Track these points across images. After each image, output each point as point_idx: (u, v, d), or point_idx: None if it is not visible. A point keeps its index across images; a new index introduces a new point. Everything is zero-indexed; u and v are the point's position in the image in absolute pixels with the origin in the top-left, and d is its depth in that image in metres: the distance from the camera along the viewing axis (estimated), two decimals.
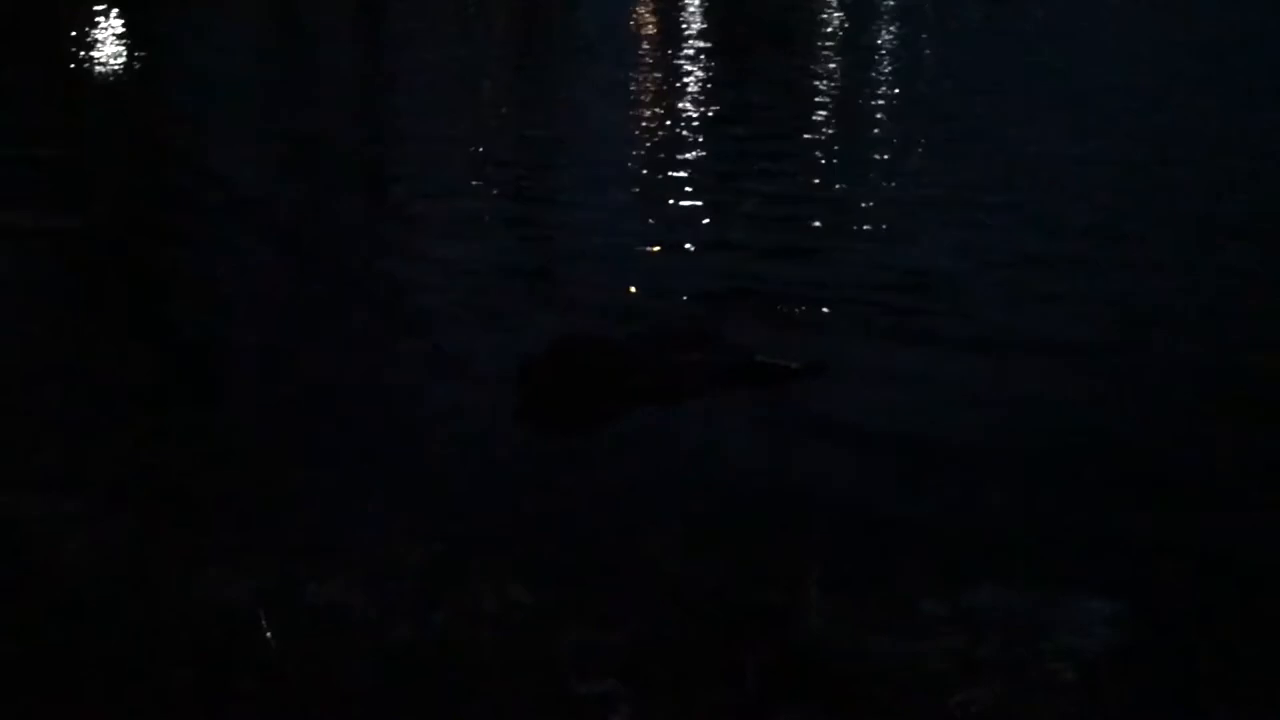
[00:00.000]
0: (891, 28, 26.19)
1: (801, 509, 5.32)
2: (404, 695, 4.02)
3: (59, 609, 4.51)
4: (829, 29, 26.19)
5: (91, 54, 19.29)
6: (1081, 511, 5.31)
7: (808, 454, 5.86)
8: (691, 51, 22.05)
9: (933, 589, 4.55)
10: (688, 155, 12.96)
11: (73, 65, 18.64)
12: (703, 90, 17.68)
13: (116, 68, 18.56)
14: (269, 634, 4.30)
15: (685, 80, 18.52)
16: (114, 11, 23.98)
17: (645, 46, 23.20)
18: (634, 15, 28.00)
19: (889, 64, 20.96)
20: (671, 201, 10.91)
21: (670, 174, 12.02)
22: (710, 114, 15.61)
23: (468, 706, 3.98)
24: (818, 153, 13.28)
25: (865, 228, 9.92)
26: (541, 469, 5.86)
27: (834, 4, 30.13)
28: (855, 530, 5.12)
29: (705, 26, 25.98)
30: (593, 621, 4.39)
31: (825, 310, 7.84)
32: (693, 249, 9.38)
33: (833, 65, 20.79)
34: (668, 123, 14.78)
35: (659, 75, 19.32)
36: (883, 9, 29.23)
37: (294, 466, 5.77)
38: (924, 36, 24.63)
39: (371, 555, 4.86)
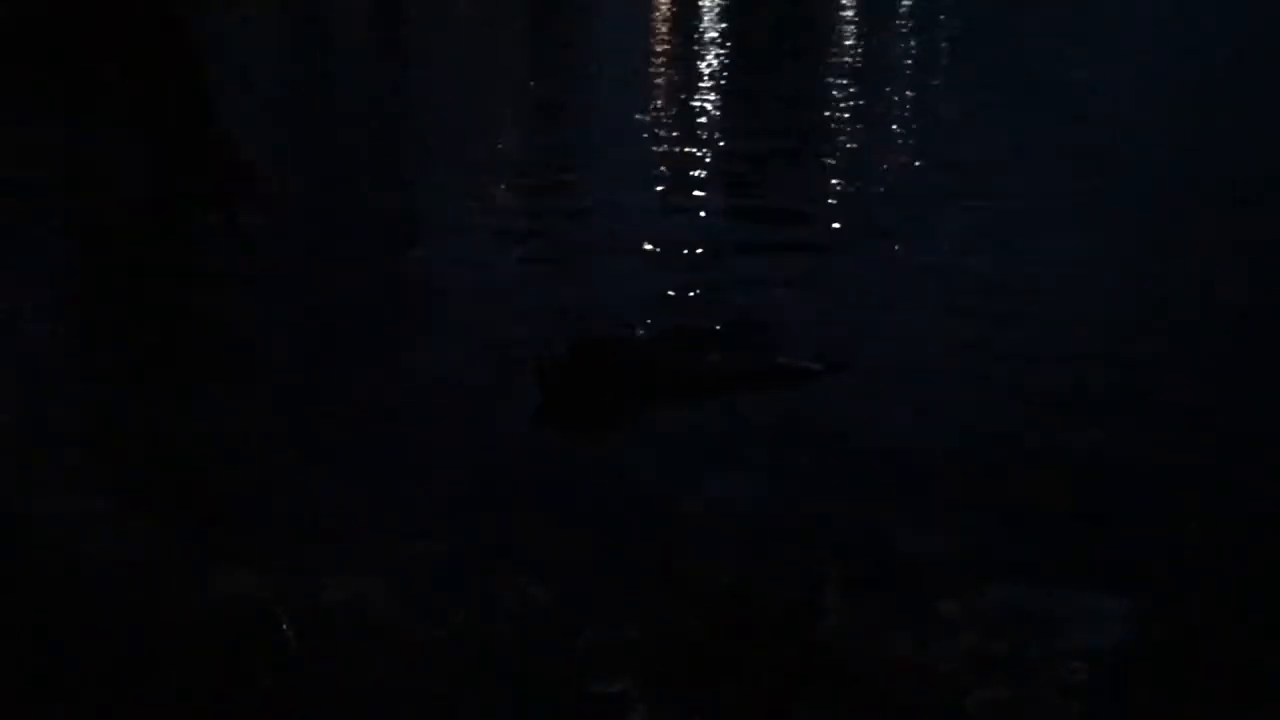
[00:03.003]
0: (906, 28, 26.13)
1: (817, 509, 5.34)
2: (421, 694, 4.05)
3: (77, 607, 4.54)
4: (846, 25, 26.15)
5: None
6: (1097, 509, 5.32)
7: (825, 455, 5.87)
8: (710, 51, 22.05)
9: (947, 588, 4.57)
10: (707, 156, 12.97)
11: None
12: (721, 90, 17.69)
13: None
14: (286, 633, 4.33)
15: (703, 80, 18.54)
16: None
17: (663, 45, 23.21)
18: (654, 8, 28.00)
19: (903, 61, 20.93)
20: (692, 202, 10.92)
21: (690, 175, 12.03)
22: (729, 116, 15.62)
23: (484, 705, 4.01)
24: (838, 152, 13.28)
25: (888, 228, 9.90)
26: (560, 468, 5.88)
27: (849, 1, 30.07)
28: (871, 529, 5.14)
29: (723, 26, 25.95)
30: (610, 620, 4.41)
31: (846, 311, 7.83)
32: (712, 249, 9.38)
33: (849, 63, 20.77)
34: (686, 124, 14.79)
35: (678, 75, 19.33)
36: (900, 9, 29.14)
37: (310, 465, 5.80)
38: (941, 39, 24.58)
39: (388, 554, 4.89)
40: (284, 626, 4.37)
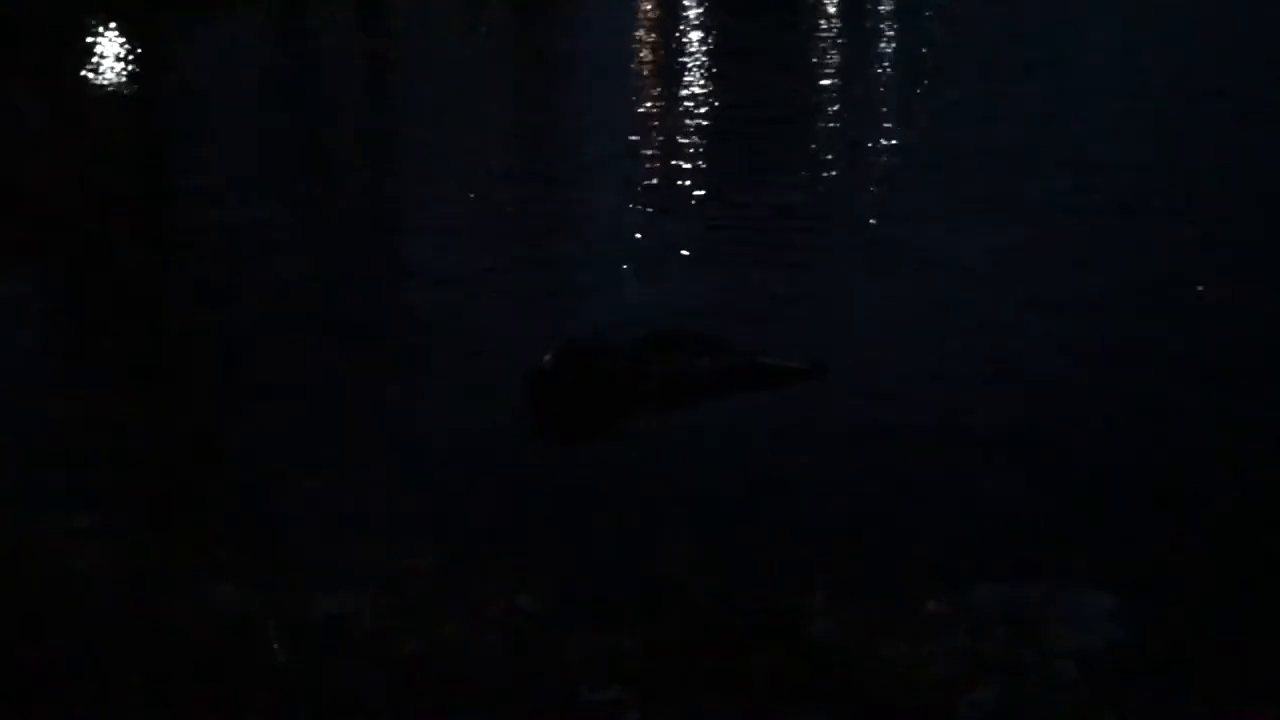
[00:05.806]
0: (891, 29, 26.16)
1: (806, 512, 5.34)
2: (413, 704, 4.04)
3: (69, 620, 4.53)
4: (829, 27, 26.17)
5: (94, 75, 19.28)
6: (1083, 508, 5.32)
7: (812, 456, 5.88)
8: (694, 54, 22.04)
9: (936, 589, 4.56)
10: (689, 162, 12.95)
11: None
12: (703, 97, 17.64)
13: (118, 89, 18.54)
14: (278, 645, 4.32)
15: (686, 86, 18.49)
16: (110, 27, 23.85)
17: (647, 53, 23.21)
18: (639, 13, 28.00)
19: (885, 62, 20.96)
20: (674, 209, 10.89)
21: (672, 182, 11.99)
22: (711, 121, 15.57)
23: (477, 715, 4.00)
24: (818, 159, 13.25)
25: (867, 233, 9.89)
26: (549, 476, 5.89)
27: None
28: (859, 532, 5.14)
29: (707, 28, 25.98)
30: (601, 628, 4.41)
31: (828, 313, 7.84)
32: (696, 255, 9.38)
33: (832, 68, 20.76)
34: (669, 130, 14.74)
35: (661, 82, 19.30)
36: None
37: (302, 479, 5.79)
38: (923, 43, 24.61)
39: (380, 565, 4.88)
40: (276, 639, 4.35)
